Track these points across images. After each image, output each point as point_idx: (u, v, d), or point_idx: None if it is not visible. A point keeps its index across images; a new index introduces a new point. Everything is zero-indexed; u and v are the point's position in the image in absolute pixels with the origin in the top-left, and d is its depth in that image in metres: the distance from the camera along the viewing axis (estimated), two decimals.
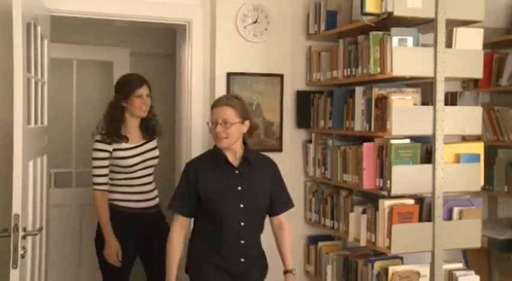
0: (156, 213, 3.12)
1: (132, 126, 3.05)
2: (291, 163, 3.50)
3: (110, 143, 2.97)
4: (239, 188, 2.47)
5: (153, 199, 3.11)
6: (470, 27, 2.82)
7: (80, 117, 4.34)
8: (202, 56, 3.40)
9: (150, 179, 3.11)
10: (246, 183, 2.48)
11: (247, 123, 2.50)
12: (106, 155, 2.97)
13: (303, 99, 3.56)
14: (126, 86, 3.02)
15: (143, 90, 3.01)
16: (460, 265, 2.93)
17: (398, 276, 2.75)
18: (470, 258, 3.64)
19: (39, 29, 2.66)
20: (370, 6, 2.81)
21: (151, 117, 3.12)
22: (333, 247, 3.41)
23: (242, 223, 2.45)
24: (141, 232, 3.02)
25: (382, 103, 2.82)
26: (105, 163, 2.98)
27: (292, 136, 3.56)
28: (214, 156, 2.52)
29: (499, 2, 3.83)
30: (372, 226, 2.87)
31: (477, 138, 3.28)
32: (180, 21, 3.40)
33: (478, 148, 2.87)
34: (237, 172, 2.49)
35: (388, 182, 2.72)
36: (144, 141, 3.08)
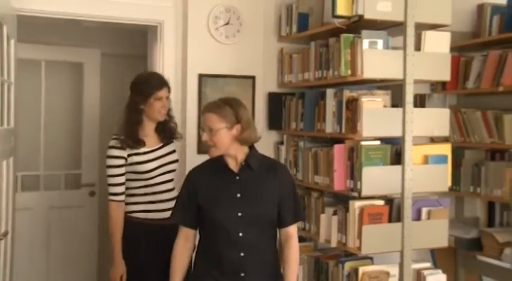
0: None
1: (149, 130, 2.86)
2: None
3: (124, 149, 2.78)
4: (238, 195, 2.30)
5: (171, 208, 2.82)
6: (438, 31, 2.87)
7: (48, 119, 4.27)
8: (174, 58, 3.39)
9: (171, 185, 2.89)
10: (246, 190, 2.31)
11: (238, 127, 2.30)
12: (121, 162, 2.78)
13: (275, 101, 3.57)
14: (146, 87, 2.80)
15: (163, 93, 2.82)
16: (428, 265, 2.98)
17: (368, 276, 2.78)
18: (437, 257, 3.70)
19: (5, 28, 2.60)
20: (341, 9, 2.84)
21: (169, 119, 2.93)
22: (305, 249, 3.41)
23: (240, 234, 2.27)
24: (164, 246, 2.66)
25: (353, 105, 2.85)
26: (121, 170, 2.78)
27: (264, 138, 3.56)
28: (215, 162, 2.36)
29: (465, 7, 3.91)
30: (343, 227, 2.89)
31: (445, 139, 3.34)
32: (151, 23, 3.38)
33: (446, 149, 2.93)
34: (237, 178, 2.33)
35: (359, 183, 2.75)
36: (161, 144, 2.89)
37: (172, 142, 2.96)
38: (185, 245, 2.40)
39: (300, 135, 3.39)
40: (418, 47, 2.80)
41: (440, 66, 2.86)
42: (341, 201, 3.01)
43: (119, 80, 4.68)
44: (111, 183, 2.78)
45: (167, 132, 2.93)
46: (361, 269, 2.79)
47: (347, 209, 2.85)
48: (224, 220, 2.29)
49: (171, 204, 2.73)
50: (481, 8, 3.88)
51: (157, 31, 3.38)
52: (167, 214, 2.73)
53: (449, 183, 2.89)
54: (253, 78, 3.41)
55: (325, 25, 3.22)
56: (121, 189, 2.79)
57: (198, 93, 3.31)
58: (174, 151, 2.95)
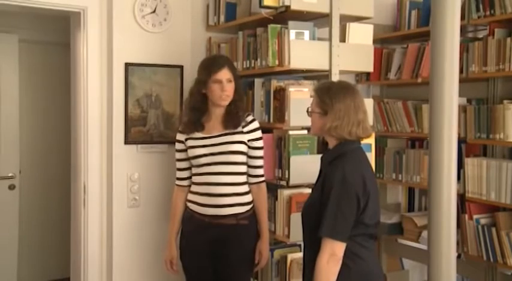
0: (234, 227, 2.64)
1: (213, 115, 2.71)
2: None
3: (184, 133, 2.75)
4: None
5: (226, 206, 2.63)
6: (361, 23, 2.96)
7: None
8: (99, 46, 3.26)
9: (223, 179, 2.63)
10: (314, 185, 2.30)
11: (324, 118, 2.17)
12: (181, 146, 2.76)
13: None
14: (205, 71, 2.67)
15: (222, 75, 2.63)
16: None
17: (297, 263, 2.84)
18: None
19: None
20: (268, 0, 2.85)
21: (234, 106, 2.70)
22: None
23: (303, 228, 2.29)
24: (206, 244, 2.65)
25: (281, 95, 2.88)
26: (182, 155, 2.77)
27: None
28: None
29: (386, 1, 4.06)
30: (272, 216, 2.93)
31: None
32: (74, 9, 3.23)
33: (370, 138, 3.02)
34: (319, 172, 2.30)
35: (287, 172, 2.79)
36: (222, 132, 2.68)
37: (242, 131, 2.69)
38: None
39: None
40: (343, 39, 2.87)
41: (364, 58, 2.95)
42: (270, 190, 3.04)
43: (40, 68, 4.47)
44: (176, 167, 2.82)
45: (231, 120, 2.68)
46: (290, 257, 2.85)
47: (276, 198, 2.89)
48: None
49: (221, 200, 2.63)
50: (400, 2, 4.04)
51: (81, 18, 3.24)
52: (214, 211, 2.64)
53: (373, 171, 2.99)
54: (181, 67, 3.37)
55: (252, 15, 3.23)
56: (182, 174, 2.80)
57: (125, 83, 3.21)
58: (238, 142, 2.66)
